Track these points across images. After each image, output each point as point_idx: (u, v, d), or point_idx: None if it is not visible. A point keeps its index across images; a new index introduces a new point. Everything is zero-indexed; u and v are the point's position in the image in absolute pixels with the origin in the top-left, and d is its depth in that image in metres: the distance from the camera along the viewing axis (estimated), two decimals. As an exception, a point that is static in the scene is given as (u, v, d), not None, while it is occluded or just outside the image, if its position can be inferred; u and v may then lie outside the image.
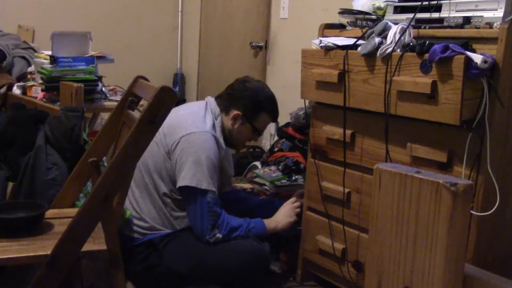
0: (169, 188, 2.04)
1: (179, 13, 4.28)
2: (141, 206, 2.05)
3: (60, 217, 1.72)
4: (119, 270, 1.54)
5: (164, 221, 2.05)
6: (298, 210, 2.22)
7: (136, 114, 1.67)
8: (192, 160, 1.97)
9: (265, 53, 3.57)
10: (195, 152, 1.97)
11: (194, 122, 2.05)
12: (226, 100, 2.18)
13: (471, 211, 1.57)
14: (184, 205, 2.04)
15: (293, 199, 2.28)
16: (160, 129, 2.00)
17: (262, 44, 3.56)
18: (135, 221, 2.04)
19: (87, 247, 1.48)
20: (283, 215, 2.20)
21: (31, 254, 1.48)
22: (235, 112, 2.15)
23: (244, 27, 3.67)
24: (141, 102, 1.83)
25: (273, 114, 2.25)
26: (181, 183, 1.97)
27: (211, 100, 2.19)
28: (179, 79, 4.31)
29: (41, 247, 1.51)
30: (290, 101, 3.07)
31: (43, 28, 3.51)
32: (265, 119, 2.22)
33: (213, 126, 2.09)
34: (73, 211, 1.69)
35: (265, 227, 2.12)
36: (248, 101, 2.16)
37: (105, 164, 1.94)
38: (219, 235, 1.99)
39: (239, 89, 2.18)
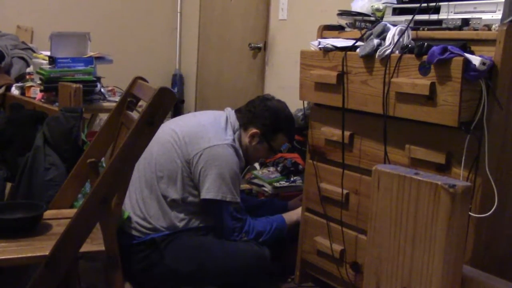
0: (179, 195, 2.05)
1: (178, 14, 4.28)
2: (147, 207, 2.05)
3: (59, 218, 1.72)
4: (117, 271, 1.54)
5: (168, 223, 2.06)
6: None
7: (135, 115, 1.68)
8: (216, 173, 2.01)
9: (264, 54, 3.57)
10: (219, 165, 2.02)
11: (217, 134, 2.09)
12: (246, 117, 2.21)
13: (469, 213, 1.57)
14: (209, 213, 2.09)
15: None
16: (181, 136, 2.07)
17: (261, 45, 3.56)
18: (138, 221, 2.04)
19: (85, 247, 1.48)
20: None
21: (29, 255, 1.47)
22: (254, 130, 2.18)
23: (243, 28, 3.67)
24: (140, 103, 1.83)
25: (290, 135, 2.31)
26: (206, 195, 2.02)
27: (231, 113, 2.21)
28: (178, 80, 4.31)
29: (39, 247, 1.50)
30: (288, 102, 3.05)
31: (41, 28, 3.52)
32: (282, 139, 2.27)
33: (234, 139, 2.14)
34: (71, 212, 1.69)
35: (285, 225, 2.22)
36: (267, 121, 2.19)
37: (104, 164, 1.94)
38: (246, 239, 2.10)
39: (260, 108, 2.21)
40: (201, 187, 2.04)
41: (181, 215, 2.05)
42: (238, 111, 2.24)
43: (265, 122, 2.19)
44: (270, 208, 2.37)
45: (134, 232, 2.03)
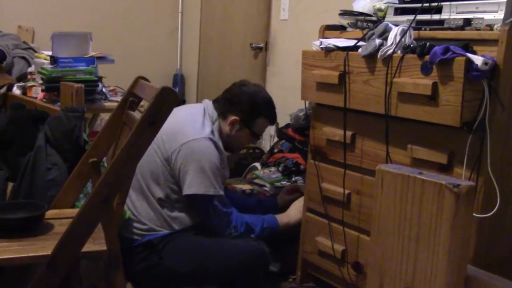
0: (165, 192, 2.04)
1: (179, 14, 4.28)
2: (138, 209, 2.05)
3: (60, 218, 1.71)
4: (119, 270, 1.54)
5: (162, 222, 2.04)
6: None
7: (137, 114, 1.68)
8: (195, 167, 1.98)
9: (265, 54, 3.57)
10: (198, 160, 1.99)
11: (194, 128, 2.05)
12: (223, 105, 2.17)
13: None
14: (194, 209, 2.06)
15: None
16: (159, 134, 2.01)
17: (262, 45, 3.55)
18: (134, 224, 2.04)
19: (87, 247, 1.48)
20: (296, 210, 2.26)
21: (31, 255, 1.47)
22: (233, 117, 2.14)
23: (244, 28, 3.67)
24: (142, 103, 1.83)
25: (271, 118, 2.24)
26: (187, 191, 1.99)
27: (208, 104, 2.19)
28: (179, 80, 4.30)
29: (41, 247, 1.50)
30: (290, 102, 3.06)
31: (42, 28, 3.51)
32: (263, 123, 2.22)
33: (212, 131, 2.09)
34: (73, 212, 1.69)
35: (277, 224, 2.17)
36: (245, 106, 2.15)
37: (105, 164, 1.94)
38: (236, 234, 2.06)
39: (236, 94, 2.17)
40: (182, 184, 2.00)
41: (173, 214, 2.05)
42: (215, 101, 2.20)
43: (243, 108, 2.14)
44: (261, 209, 2.35)
45: (131, 236, 2.03)
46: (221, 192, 2.04)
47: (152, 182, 2.04)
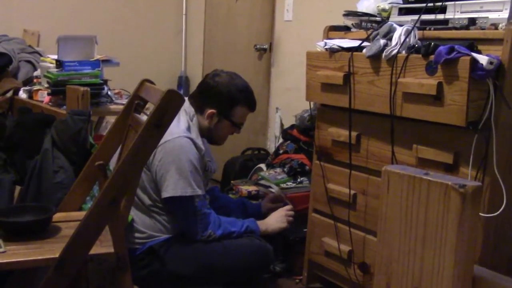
0: (153, 198, 2.02)
1: (183, 16, 4.29)
2: (133, 218, 2.03)
3: (67, 221, 1.72)
4: (126, 273, 1.55)
5: (160, 227, 2.04)
6: (290, 218, 2.24)
7: (143, 117, 1.68)
8: (172, 168, 1.94)
9: (269, 55, 3.58)
10: (174, 160, 1.94)
11: (168, 129, 2.03)
12: (198, 99, 2.13)
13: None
14: (172, 212, 2.03)
15: (289, 206, 2.31)
16: None
17: (266, 46, 3.56)
18: (133, 233, 2.03)
19: (95, 250, 1.48)
20: (275, 220, 2.22)
21: (39, 257, 1.48)
22: (210, 110, 2.09)
23: (248, 30, 3.67)
24: (147, 105, 1.84)
25: (249, 105, 2.17)
26: (165, 194, 1.95)
27: (184, 102, 2.16)
28: (184, 81, 4.32)
29: (49, 250, 1.51)
30: (294, 103, 3.07)
31: (48, 32, 3.53)
32: (241, 112, 2.15)
33: (188, 128, 2.05)
34: (80, 214, 1.70)
35: (258, 227, 2.15)
36: (220, 97, 2.09)
37: (110, 167, 1.94)
38: (214, 235, 2.01)
39: (210, 86, 2.12)
40: (160, 188, 1.97)
41: (168, 217, 2.04)
42: (190, 97, 2.16)
43: (218, 99, 2.09)
44: (241, 210, 2.34)
45: (133, 245, 2.01)
46: (199, 192, 1.98)
47: (139, 190, 2.00)
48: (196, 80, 4.30)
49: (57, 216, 1.74)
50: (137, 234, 2.04)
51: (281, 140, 3.12)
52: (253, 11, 3.63)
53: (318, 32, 2.20)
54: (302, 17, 3.32)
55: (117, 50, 3.23)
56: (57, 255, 1.43)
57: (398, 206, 0.86)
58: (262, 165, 2.93)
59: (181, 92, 4.20)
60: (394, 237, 0.88)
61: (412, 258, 0.86)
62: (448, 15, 1.76)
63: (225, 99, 2.10)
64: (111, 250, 1.53)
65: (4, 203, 1.93)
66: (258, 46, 3.59)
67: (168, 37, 4.27)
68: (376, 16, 2.02)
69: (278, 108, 3.47)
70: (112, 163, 1.91)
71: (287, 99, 3.38)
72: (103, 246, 1.55)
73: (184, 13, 4.29)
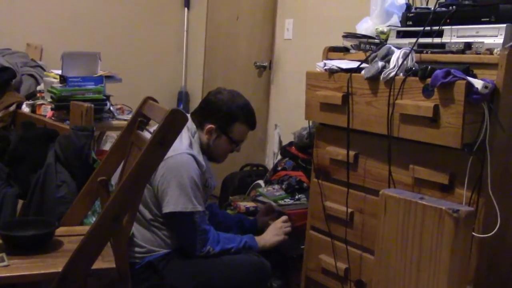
0: (154, 213, 2.04)
1: (185, 33, 4.34)
2: (134, 233, 2.05)
3: (70, 235, 1.74)
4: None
5: (159, 242, 2.06)
6: (287, 229, 2.27)
7: (146, 134, 1.72)
8: (174, 184, 1.97)
9: (269, 73, 3.62)
10: (175, 176, 1.97)
11: None
12: (200, 116, 2.17)
13: (473, 233, 1.60)
14: (172, 228, 2.05)
15: (284, 217, 2.33)
16: None
17: (266, 64, 3.61)
18: (133, 248, 2.05)
19: (97, 264, 1.50)
20: (271, 234, 2.25)
21: (42, 272, 1.50)
22: (209, 126, 2.14)
23: (249, 47, 3.72)
24: (150, 122, 1.87)
25: (249, 123, 2.21)
26: (166, 209, 1.98)
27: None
28: (184, 97, 4.35)
29: (51, 264, 1.53)
30: (293, 121, 3.10)
31: (51, 46, 3.57)
32: (240, 129, 2.19)
33: (190, 144, 2.08)
34: (82, 229, 1.72)
35: (256, 243, 2.17)
36: (220, 113, 2.14)
37: (112, 183, 1.97)
38: (213, 251, 2.04)
39: (211, 102, 2.17)
40: (161, 203, 2.00)
41: (168, 232, 2.06)
42: (192, 114, 2.20)
43: (217, 115, 2.13)
44: (241, 228, 2.37)
45: (132, 260, 2.02)
46: (200, 208, 2.01)
47: (140, 204, 2.01)
48: (196, 95, 4.33)
49: (59, 230, 1.76)
50: (136, 249, 2.06)
51: (279, 157, 3.15)
52: (254, 29, 3.68)
53: (318, 51, 2.23)
54: (302, 36, 3.37)
55: (117, 65, 3.25)
56: (59, 269, 1.45)
57: (394, 229, 0.89)
58: (261, 181, 2.95)
59: (181, 107, 4.24)
60: (390, 257, 0.91)
61: (407, 279, 0.89)
62: (445, 39, 1.80)
63: (224, 115, 2.15)
64: (113, 265, 1.55)
65: (7, 216, 1.95)
66: (258, 64, 3.63)
67: (170, 53, 4.31)
68: (374, 38, 2.06)
69: (277, 125, 3.51)
70: (114, 179, 1.94)
71: (286, 116, 3.42)
72: (105, 261, 1.56)
73: (185, 29, 4.33)
